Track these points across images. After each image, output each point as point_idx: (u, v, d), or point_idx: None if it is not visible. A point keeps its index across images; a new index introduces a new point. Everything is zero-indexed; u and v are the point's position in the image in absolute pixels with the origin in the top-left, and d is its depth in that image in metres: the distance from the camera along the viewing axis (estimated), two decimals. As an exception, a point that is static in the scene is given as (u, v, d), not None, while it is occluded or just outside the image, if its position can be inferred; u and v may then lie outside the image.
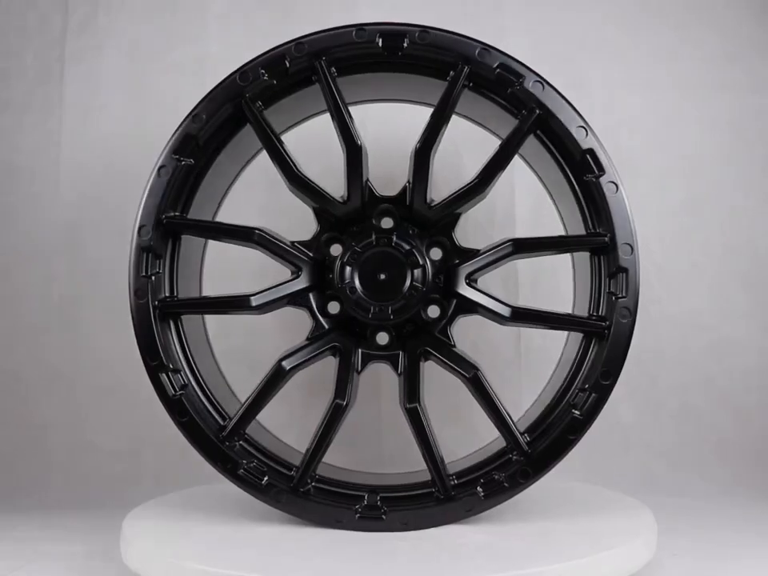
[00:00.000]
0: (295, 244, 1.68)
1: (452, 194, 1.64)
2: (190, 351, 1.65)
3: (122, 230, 2.35)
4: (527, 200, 2.29)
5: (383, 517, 1.56)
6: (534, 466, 1.57)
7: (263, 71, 1.62)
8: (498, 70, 1.59)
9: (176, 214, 1.65)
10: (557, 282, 2.26)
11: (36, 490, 2.26)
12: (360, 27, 1.61)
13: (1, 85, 2.40)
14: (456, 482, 1.59)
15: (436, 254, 1.69)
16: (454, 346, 1.67)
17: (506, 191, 2.30)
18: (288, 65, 1.62)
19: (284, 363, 1.63)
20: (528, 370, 2.28)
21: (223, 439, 1.62)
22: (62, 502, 2.19)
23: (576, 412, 1.57)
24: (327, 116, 1.68)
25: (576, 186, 1.62)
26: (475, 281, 1.67)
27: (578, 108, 1.60)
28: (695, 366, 2.29)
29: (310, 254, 1.67)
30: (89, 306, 2.35)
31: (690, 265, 2.30)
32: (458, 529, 1.55)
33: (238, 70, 1.64)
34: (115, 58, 2.38)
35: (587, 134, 1.59)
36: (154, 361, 1.60)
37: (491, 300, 1.63)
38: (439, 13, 2.30)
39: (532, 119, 1.59)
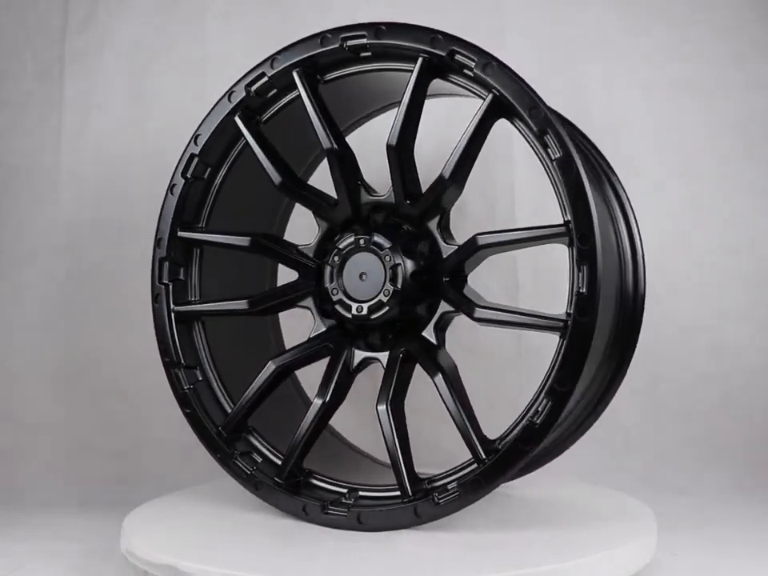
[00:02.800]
0: (299, 248, 1.71)
1: (427, 189, 1.61)
2: (209, 351, 1.74)
3: (122, 230, 2.36)
4: (528, 198, 2.29)
5: (345, 514, 1.56)
6: (485, 476, 1.48)
7: (250, 89, 1.68)
8: (454, 56, 1.53)
9: (192, 226, 1.75)
10: (557, 282, 2.26)
11: (36, 490, 2.26)
12: (323, 35, 1.63)
13: (0, 84, 2.40)
14: (428, 486, 1.54)
15: (420, 252, 1.64)
16: (439, 346, 1.63)
17: (506, 189, 2.30)
18: (270, 80, 1.67)
19: (272, 362, 1.66)
20: (528, 370, 2.28)
21: (219, 432, 1.68)
22: (62, 502, 2.19)
23: (533, 420, 1.45)
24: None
25: (548, 171, 1.50)
26: (464, 279, 1.62)
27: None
28: (695, 365, 2.29)
29: (310, 257, 1.70)
30: (88, 306, 2.35)
31: (690, 265, 2.30)
32: (453, 526, 1.54)
33: (227, 91, 1.70)
34: (115, 57, 2.39)
35: (542, 113, 1.46)
36: (168, 358, 1.72)
37: (464, 299, 1.59)
38: (438, 13, 2.30)
39: (487, 104, 1.52)
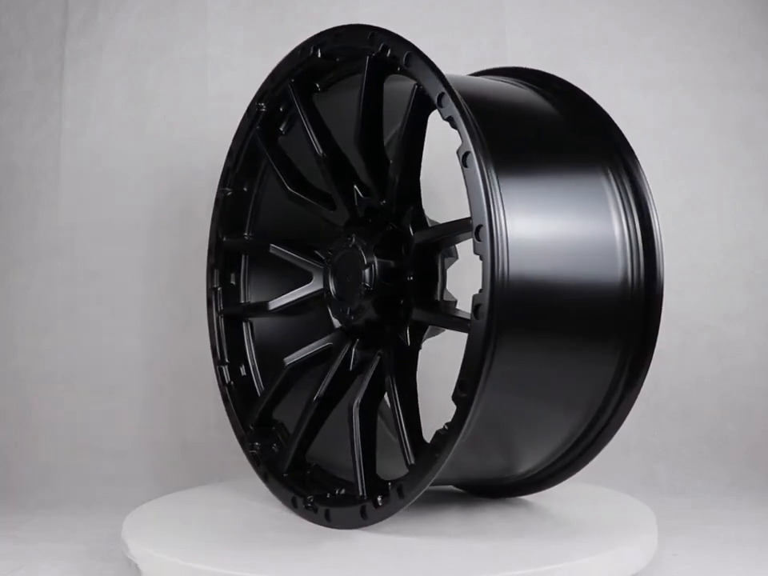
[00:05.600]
0: (316, 252, 1.77)
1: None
2: (253, 350, 1.87)
3: (122, 230, 2.36)
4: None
5: (317, 510, 1.57)
6: (408, 482, 1.44)
7: (261, 104, 1.76)
8: (387, 51, 1.50)
9: (237, 234, 1.87)
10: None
11: (36, 490, 2.26)
12: (302, 46, 1.66)
13: (0, 84, 2.40)
14: (390, 488, 1.50)
15: (393, 251, 1.62)
16: (412, 348, 1.59)
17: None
18: (273, 94, 1.74)
19: (285, 359, 1.72)
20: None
21: (245, 423, 1.78)
22: (62, 502, 2.19)
23: (445, 427, 1.38)
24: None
25: None
26: (435, 278, 1.58)
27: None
28: (695, 365, 2.29)
29: (321, 260, 1.74)
30: (88, 306, 2.35)
31: (690, 265, 2.30)
32: (451, 527, 1.54)
33: (247, 107, 1.79)
34: (115, 57, 2.39)
35: (447, 101, 1.38)
36: (214, 356, 1.87)
37: (418, 298, 1.57)
38: (439, 12, 2.31)
39: (413, 95, 1.48)
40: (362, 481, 1.53)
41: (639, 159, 1.64)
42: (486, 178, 1.32)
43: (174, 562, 1.39)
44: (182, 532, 1.57)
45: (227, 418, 1.84)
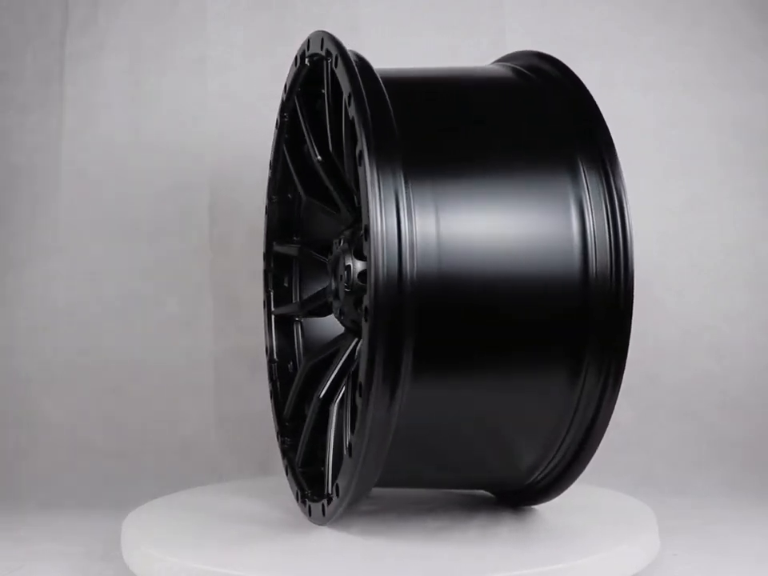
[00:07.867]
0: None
1: None
2: (300, 350, 1.93)
3: (122, 230, 2.36)
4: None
5: (306, 504, 1.59)
6: (343, 484, 1.43)
7: (285, 115, 1.79)
8: (331, 56, 1.46)
9: (286, 240, 1.93)
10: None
11: (36, 490, 2.26)
12: (296, 57, 1.67)
13: (1, 85, 2.40)
14: (333, 488, 1.51)
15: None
16: None
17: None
18: (289, 104, 1.76)
19: (305, 360, 1.76)
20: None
21: (281, 419, 1.84)
22: (62, 502, 2.19)
23: None
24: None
25: None
26: None
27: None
28: (695, 365, 2.29)
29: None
30: (89, 306, 2.35)
31: (690, 265, 2.30)
32: (450, 525, 1.54)
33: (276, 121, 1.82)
34: (115, 57, 2.39)
35: (351, 103, 1.35)
36: (267, 355, 1.92)
37: None
38: (438, 13, 2.31)
39: (346, 98, 1.43)
40: (330, 478, 1.54)
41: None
42: (375, 178, 1.28)
43: (174, 562, 1.39)
44: (182, 532, 1.57)
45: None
